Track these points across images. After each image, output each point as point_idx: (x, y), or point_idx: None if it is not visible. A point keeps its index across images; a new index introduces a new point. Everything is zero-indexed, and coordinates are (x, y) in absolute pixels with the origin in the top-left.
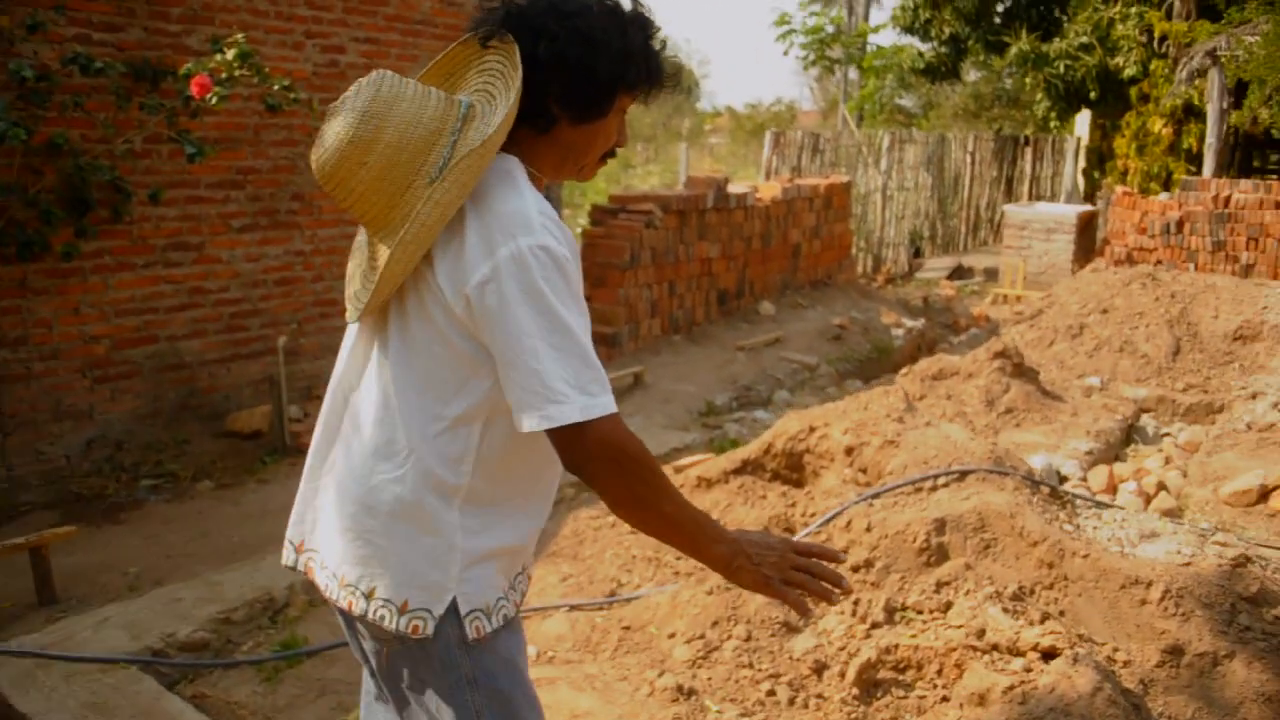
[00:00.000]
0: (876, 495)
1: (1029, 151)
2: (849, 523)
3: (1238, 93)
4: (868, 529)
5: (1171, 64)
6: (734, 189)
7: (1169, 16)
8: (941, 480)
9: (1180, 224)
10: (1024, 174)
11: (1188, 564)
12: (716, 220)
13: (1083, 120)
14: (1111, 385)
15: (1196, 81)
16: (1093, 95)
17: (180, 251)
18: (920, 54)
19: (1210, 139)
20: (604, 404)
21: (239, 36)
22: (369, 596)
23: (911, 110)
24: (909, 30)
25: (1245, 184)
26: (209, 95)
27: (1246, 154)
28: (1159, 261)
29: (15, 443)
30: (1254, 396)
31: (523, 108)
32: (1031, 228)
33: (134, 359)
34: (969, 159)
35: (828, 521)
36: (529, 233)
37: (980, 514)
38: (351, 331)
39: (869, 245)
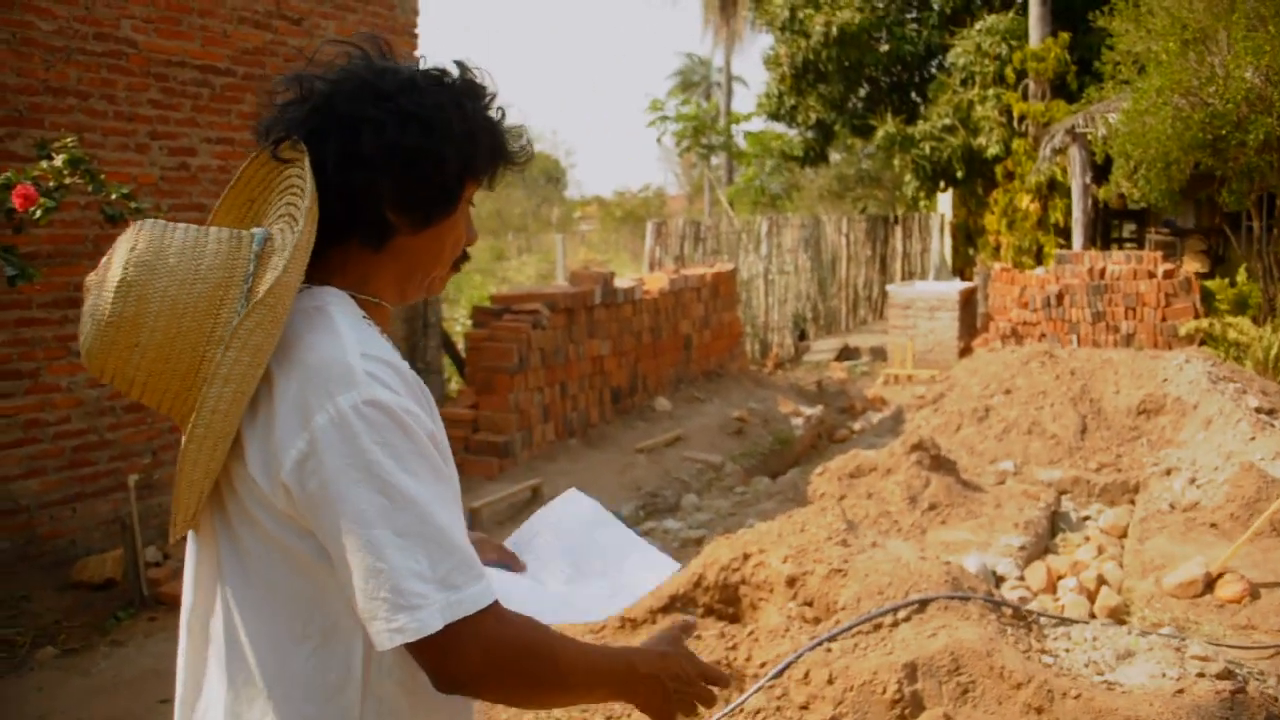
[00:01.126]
0: (833, 638)
1: (899, 230)
2: (806, 673)
3: (1098, 167)
4: (829, 680)
5: (1033, 142)
6: (620, 283)
7: (1025, 97)
8: (902, 613)
9: (1060, 297)
10: (896, 252)
11: (1180, 692)
12: (605, 316)
13: (945, 198)
14: (1025, 469)
15: (1058, 158)
16: (959, 174)
17: (10, 380)
18: (793, 139)
19: (1076, 213)
20: (473, 596)
21: (68, 140)
22: None
23: (775, 193)
24: (774, 117)
25: (1118, 255)
26: (33, 208)
27: (1107, 225)
28: (1043, 335)
29: None
30: (1168, 473)
31: (347, 220)
32: (915, 306)
33: None
34: (844, 240)
35: (781, 673)
36: (350, 386)
37: (953, 654)
38: (191, 546)
39: (755, 330)
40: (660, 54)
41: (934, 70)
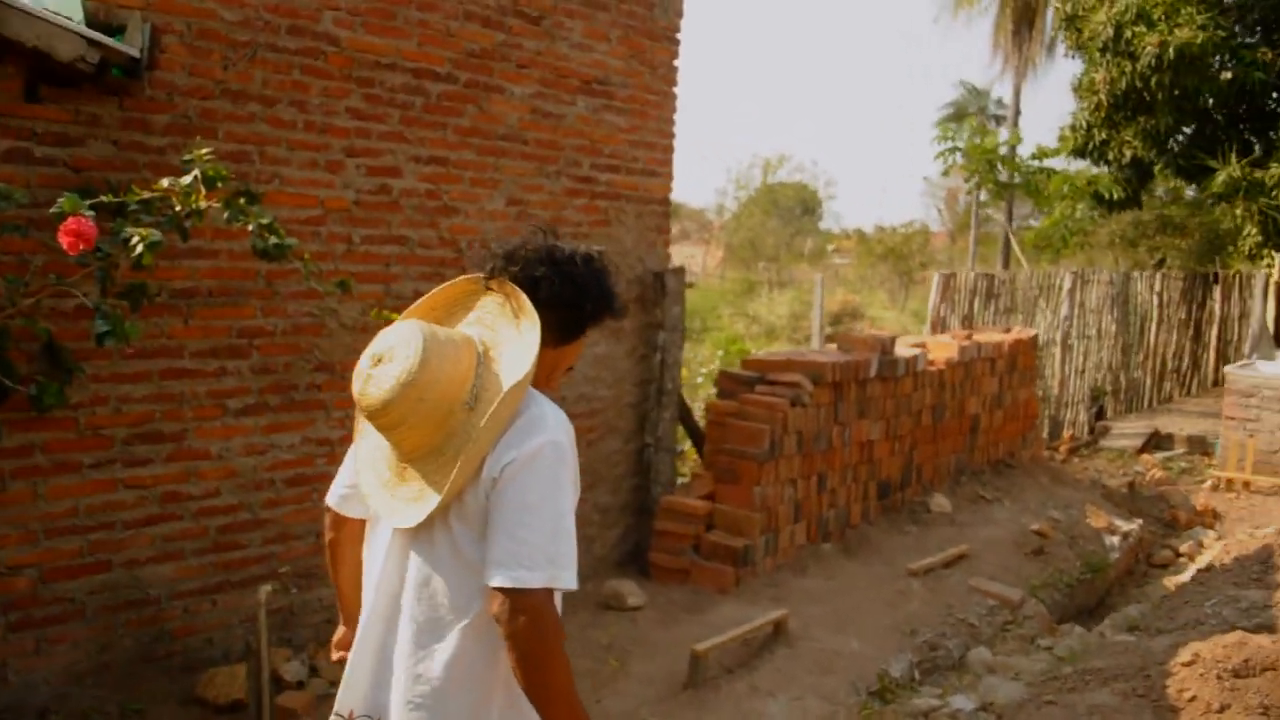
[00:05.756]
0: None
1: (1218, 290)
2: None
3: None
4: None
5: None
6: (901, 350)
7: None
8: None
9: None
10: (1213, 316)
11: None
12: (880, 392)
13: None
14: None
15: None
16: None
17: (149, 444)
18: (1109, 179)
19: None
20: (562, 578)
21: (203, 151)
22: None
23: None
24: (1080, 153)
25: None
26: (82, 250)
27: None
28: None
29: None
30: None
31: None
32: (1262, 394)
33: (73, 594)
34: (1155, 300)
35: None
36: (545, 431)
37: None
38: (381, 532)
39: (1046, 405)
40: (932, 85)
41: None
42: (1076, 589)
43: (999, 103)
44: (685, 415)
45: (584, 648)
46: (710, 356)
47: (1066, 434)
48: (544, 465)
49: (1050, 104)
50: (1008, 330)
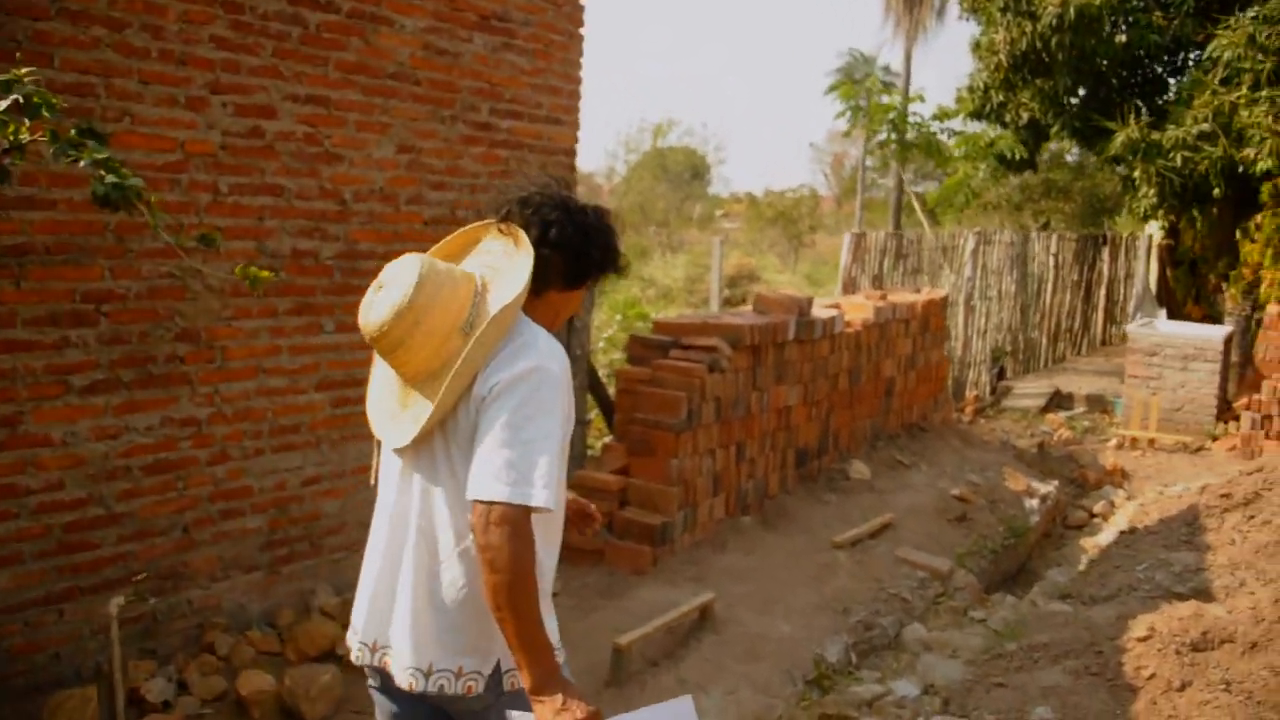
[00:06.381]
0: None
1: (1106, 252)
2: None
3: None
4: None
5: None
6: (818, 312)
7: None
8: None
9: None
10: (1102, 277)
11: None
12: (798, 355)
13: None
14: None
15: None
16: (1216, 192)
17: None
18: (1011, 140)
19: None
20: (537, 496)
21: (22, 72)
22: (428, 674)
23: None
24: (978, 115)
25: None
26: None
27: None
28: None
29: None
30: None
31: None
32: (1164, 353)
33: None
34: (1052, 261)
35: None
36: (534, 357)
37: None
38: (391, 459)
39: (951, 366)
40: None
41: (1181, 65)
42: (1001, 555)
43: (886, 70)
44: (594, 383)
45: None
46: (608, 320)
47: (971, 395)
48: (529, 387)
49: (940, 68)
50: (918, 290)
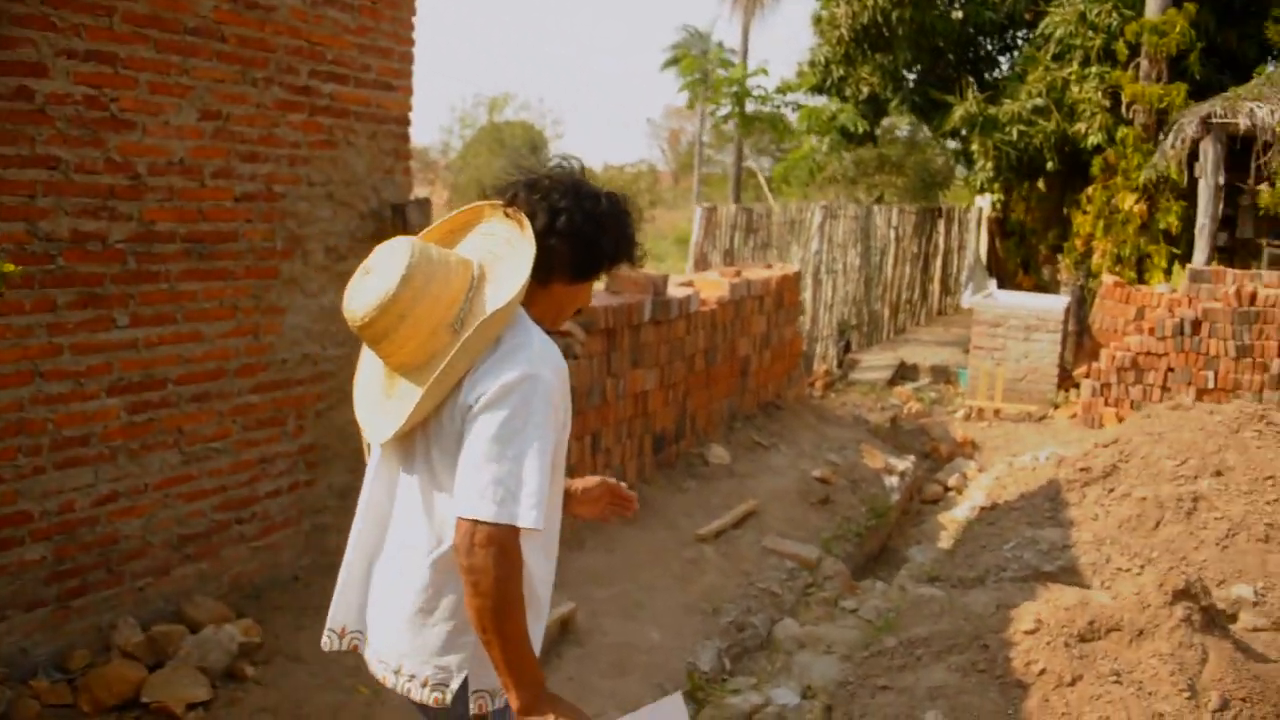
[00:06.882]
0: None
1: (942, 224)
2: None
3: (1233, 164)
4: None
5: (1142, 131)
6: (673, 291)
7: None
8: None
9: (1196, 325)
10: (938, 249)
11: None
12: (654, 337)
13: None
14: (1270, 597)
15: (1170, 151)
16: (1050, 165)
17: None
18: (854, 114)
19: (1202, 219)
20: (524, 517)
21: None
22: (397, 673)
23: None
24: (819, 89)
25: (1271, 276)
26: None
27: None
28: (1170, 369)
29: None
30: None
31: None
32: (1008, 325)
33: None
34: (893, 234)
35: None
36: (525, 364)
37: None
38: (374, 455)
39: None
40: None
41: (1015, 42)
42: (865, 537)
43: (721, 46)
44: None
45: (325, 671)
46: None
47: (821, 369)
48: (519, 398)
49: (777, 44)
50: (769, 266)
